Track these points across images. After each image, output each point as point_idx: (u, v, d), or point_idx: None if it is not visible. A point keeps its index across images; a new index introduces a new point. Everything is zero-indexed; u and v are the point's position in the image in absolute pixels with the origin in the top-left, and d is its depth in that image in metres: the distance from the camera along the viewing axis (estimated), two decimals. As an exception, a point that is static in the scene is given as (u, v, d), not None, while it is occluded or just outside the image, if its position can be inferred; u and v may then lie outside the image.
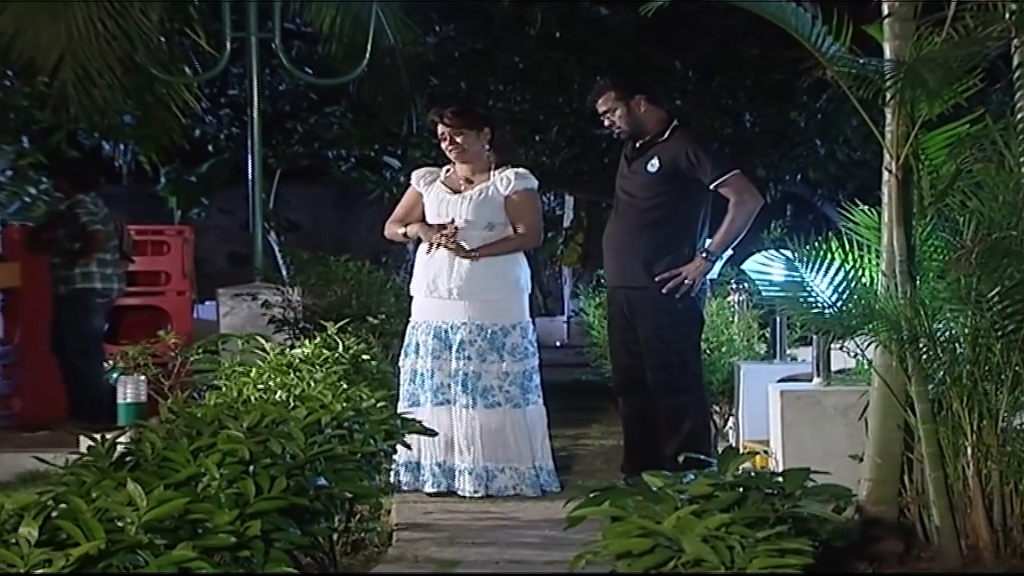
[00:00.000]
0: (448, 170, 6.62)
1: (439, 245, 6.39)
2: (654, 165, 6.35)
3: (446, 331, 6.40)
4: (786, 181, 14.72)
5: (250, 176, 10.83)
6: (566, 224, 18.96)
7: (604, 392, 8.80)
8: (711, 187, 6.27)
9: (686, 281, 6.24)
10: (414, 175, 6.72)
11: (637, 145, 6.47)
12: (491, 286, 6.40)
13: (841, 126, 13.20)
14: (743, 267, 7.24)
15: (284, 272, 14.05)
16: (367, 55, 11.16)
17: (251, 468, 3.90)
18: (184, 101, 11.40)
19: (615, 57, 13.80)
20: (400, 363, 6.56)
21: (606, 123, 6.51)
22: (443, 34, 15.11)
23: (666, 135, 6.40)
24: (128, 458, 4.16)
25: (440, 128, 6.53)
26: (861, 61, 4.47)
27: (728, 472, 3.79)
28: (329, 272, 8.99)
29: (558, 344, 17.58)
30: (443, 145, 6.54)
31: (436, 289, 6.41)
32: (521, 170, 6.56)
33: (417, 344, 6.46)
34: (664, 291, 6.23)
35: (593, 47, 14.29)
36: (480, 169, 6.54)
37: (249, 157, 10.87)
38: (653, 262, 6.30)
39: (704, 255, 6.29)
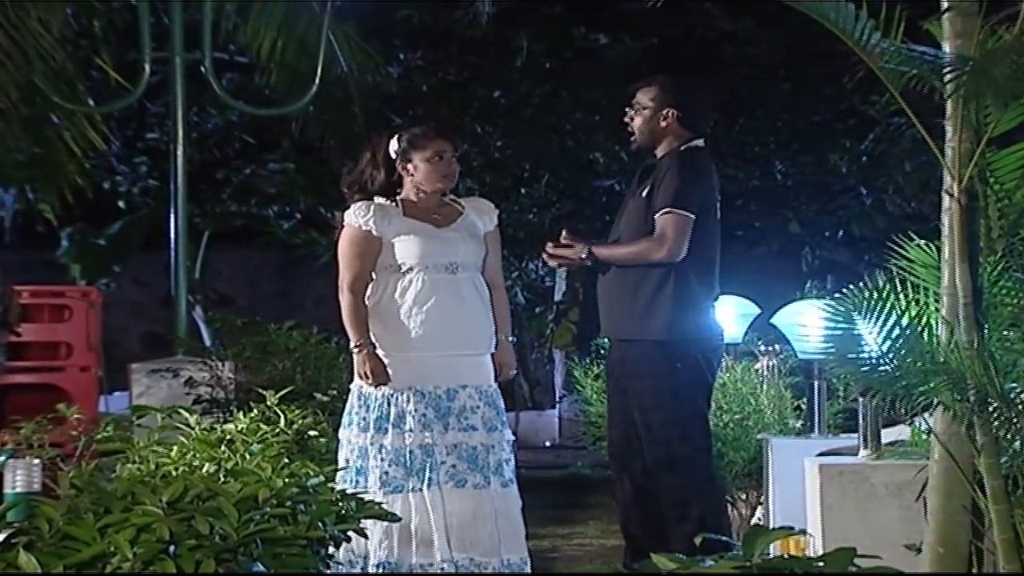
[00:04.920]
0: (393, 202, 6.50)
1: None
2: (646, 188, 6.35)
3: (440, 397, 6.31)
4: (826, 242, 14.74)
5: (172, 239, 10.84)
6: (557, 297, 18.76)
7: (605, 486, 8.79)
8: (654, 214, 6.21)
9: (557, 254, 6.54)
10: (359, 216, 6.50)
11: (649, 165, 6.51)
12: (489, 337, 6.43)
13: (891, 171, 13.25)
14: (772, 321, 7.25)
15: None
16: (314, 86, 11.23)
17: (172, 548, 3.88)
18: (89, 140, 11.42)
19: (616, 93, 13.91)
20: (368, 440, 6.41)
21: (627, 119, 6.47)
22: (409, 63, 15.26)
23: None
24: (18, 537, 4.13)
25: (447, 152, 6.44)
26: (915, 52, 4.51)
27: (755, 554, 3.78)
28: (269, 343, 8.96)
29: (548, 444, 17.52)
30: (441, 170, 6.42)
31: (446, 344, 6.31)
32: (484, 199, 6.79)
33: (399, 415, 6.30)
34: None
35: (590, 81, 14.43)
36: (438, 200, 6.55)
37: (171, 215, 10.88)
38: (642, 310, 6.29)
39: (586, 253, 6.41)
